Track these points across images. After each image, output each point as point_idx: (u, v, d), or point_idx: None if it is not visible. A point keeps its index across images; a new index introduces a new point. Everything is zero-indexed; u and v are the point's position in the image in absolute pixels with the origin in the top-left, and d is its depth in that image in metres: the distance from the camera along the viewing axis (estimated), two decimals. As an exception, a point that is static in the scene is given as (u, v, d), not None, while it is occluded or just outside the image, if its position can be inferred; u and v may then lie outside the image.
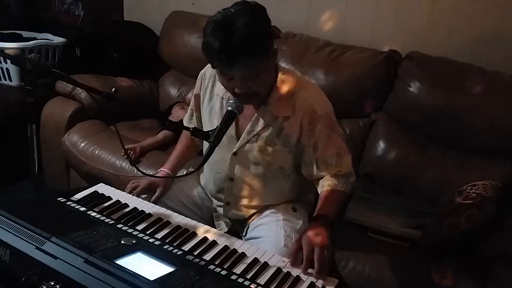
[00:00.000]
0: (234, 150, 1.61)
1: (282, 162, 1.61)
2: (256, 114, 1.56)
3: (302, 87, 1.56)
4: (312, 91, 1.59)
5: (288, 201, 1.70)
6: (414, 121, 2.24)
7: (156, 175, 1.78)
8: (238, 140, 1.60)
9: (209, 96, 1.66)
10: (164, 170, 1.78)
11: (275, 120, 1.55)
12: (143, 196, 1.69)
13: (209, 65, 1.67)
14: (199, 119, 1.76)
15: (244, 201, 1.68)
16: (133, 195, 1.65)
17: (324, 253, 1.32)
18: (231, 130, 1.59)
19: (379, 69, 2.29)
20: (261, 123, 1.56)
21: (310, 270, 1.31)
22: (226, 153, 1.63)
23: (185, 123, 1.81)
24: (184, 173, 1.78)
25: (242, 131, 1.59)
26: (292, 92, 1.54)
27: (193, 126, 1.69)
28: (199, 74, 1.72)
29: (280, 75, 1.55)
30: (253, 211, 1.69)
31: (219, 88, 1.60)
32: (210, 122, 1.65)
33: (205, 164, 1.72)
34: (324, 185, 1.58)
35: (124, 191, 1.65)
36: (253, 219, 1.69)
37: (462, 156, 2.13)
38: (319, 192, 1.60)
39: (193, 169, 1.54)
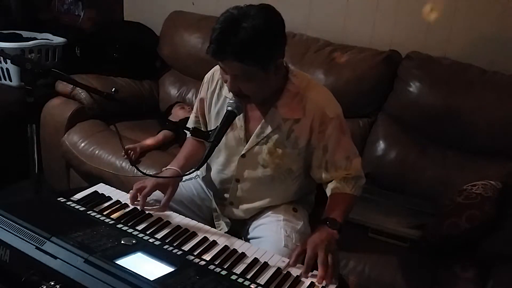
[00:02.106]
0: (243, 152, 1.60)
1: (291, 164, 1.60)
2: (265, 117, 1.56)
3: (312, 89, 1.55)
4: (322, 94, 1.58)
5: (289, 201, 1.70)
6: (414, 121, 2.24)
7: (163, 173, 1.70)
8: (247, 143, 1.59)
9: (217, 98, 1.65)
10: (172, 168, 1.67)
11: (284, 123, 1.54)
12: (151, 200, 1.60)
13: (214, 68, 1.67)
14: (204, 124, 1.76)
15: (248, 202, 1.68)
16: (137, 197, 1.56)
17: (328, 258, 1.32)
18: (240, 132, 1.59)
19: (379, 69, 2.29)
20: (270, 125, 1.55)
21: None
22: (234, 155, 1.62)
23: (190, 126, 1.80)
24: (185, 173, 1.77)
25: (251, 134, 1.58)
26: (302, 94, 1.53)
27: (194, 126, 1.69)
28: (205, 78, 1.71)
29: (290, 77, 1.54)
30: (255, 211, 1.69)
31: (227, 90, 1.59)
32: (217, 124, 1.63)
33: (212, 165, 1.72)
34: (333, 188, 1.57)
35: (128, 195, 1.60)
36: (254, 219, 1.69)
37: (462, 156, 2.13)
38: (327, 195, 1.60)
39: (193, 169, 1.54)
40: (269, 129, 1.56)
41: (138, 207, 1.51)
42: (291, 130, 1.55)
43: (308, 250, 1.34)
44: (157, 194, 1.60)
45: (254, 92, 1.46)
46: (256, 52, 1.34)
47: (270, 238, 1.55)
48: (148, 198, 1.57)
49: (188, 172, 1.59)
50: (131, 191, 1.60)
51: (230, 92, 1.52)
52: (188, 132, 1.74)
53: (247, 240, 1.63)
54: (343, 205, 1.53)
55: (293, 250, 1.39)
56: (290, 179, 1.64)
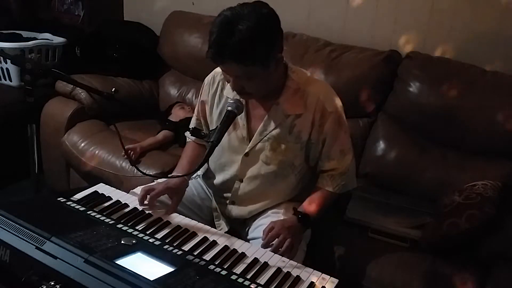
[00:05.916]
0: (246, 151, 1.61)
1: (293, 158, 1.62)
2: (267, 115, 1.57)
3: (312, 84, 1.58)
4: (322, 88, 1.61)
5: (289, 200, 1.70)
6: (414, 121, 2.24)
7: (171, 181, 1.65)
8: (250, 141, 1.60)
9: (218, 100, 1.66)
10: (177, 174, 1.68)
11: (286, 119, 1.56)
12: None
13: (215, 70, 1.68)
14: (206, 126, 1.76)
15: (250, 201, 1.69)
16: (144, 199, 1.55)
17: (284, 242, 1.43)
18: (243, 131, 1.60)
19: (379, 69, 2.29)
20: (273, 123, 1.57)
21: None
22: (236, 155, 1.63)
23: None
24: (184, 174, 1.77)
25: (254, 132, 1.60)
26: (303, 90, 1.56)
27: (194, 126, 1.69)
28: (205, 81, 1.72)
29: (289, 74, 1.56)
30: (257, 210, 1.69)
31: (228, 90, 1.60)
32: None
33: (214, 165, 1.72)
34: (319, 182, 1.64)
35: (128, 195, 1.61)
36: (254, 219, 1.69)
37: (462, 156, 2.13)
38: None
39: (194, 169, 1.54)
40: (271, 126, 1.57)
41: (141, 208, 1.51)
42: (293, 125, 1.56)
43: (274, 230, 1.44)
44: (162, 196, 1.61)
45: (257, 89, 1.48)
46: (255, 52, 1.36)
47: (271, 238, 1.56)
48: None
49: (189, 173, 1.61)
50: (135, 189, 1.62)
51: (233, 92, 1.53)
52: (188, 134, 1.75)
53: (248, 240, 1.63)
54: (321, 202, 1.60)
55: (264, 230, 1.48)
56: (293, 174, 1.65)
